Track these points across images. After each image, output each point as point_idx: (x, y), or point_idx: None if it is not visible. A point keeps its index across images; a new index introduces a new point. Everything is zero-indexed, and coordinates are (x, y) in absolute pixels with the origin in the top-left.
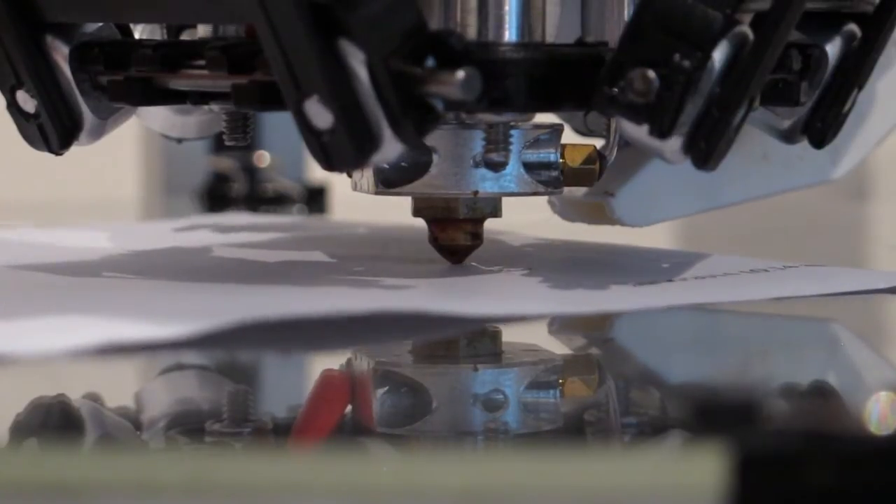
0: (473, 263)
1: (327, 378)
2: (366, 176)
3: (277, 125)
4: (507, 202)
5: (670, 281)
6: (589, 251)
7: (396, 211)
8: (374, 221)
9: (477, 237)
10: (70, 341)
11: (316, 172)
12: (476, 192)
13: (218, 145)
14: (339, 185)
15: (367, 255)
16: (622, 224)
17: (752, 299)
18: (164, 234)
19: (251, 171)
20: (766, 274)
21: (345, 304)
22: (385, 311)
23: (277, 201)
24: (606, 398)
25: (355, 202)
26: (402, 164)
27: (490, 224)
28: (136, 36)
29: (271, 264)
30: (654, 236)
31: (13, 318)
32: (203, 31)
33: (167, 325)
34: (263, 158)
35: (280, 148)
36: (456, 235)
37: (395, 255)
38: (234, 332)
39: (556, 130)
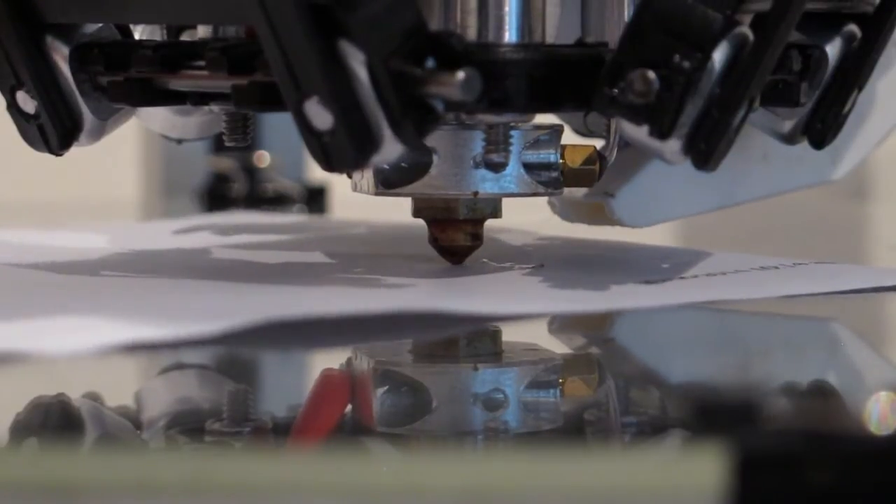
0: (484, 260)
1: (327, 377)
2: (366, 177)
3: (277, 125)
4: (507, 203)
5: (681, 278)
6: (597, 249)
7: (396, 211)
8: (376, 221)
9: (477, 238)
10: (99, 339)
11: (316, 172)
12: (476, 193)
13: (218, 145)
14: (339, 185)
15: (370, 254)
16: (622, 225)
17: (763, 297)
18: (168, 235)
19: (251, 171)
20: (775, 271)
21: (359, 304)
22: (401, 311)
23: (277, 201)
24: (606, 398)
25: (355, 202)
26: (402, 164)
27: (496, 222)
28: (136, 37)
29: (281, 264)
30: (654, 236)
31: (36, 318)
32: (203, 31)
33: (193, 324)
34: (263, 158)
35: (280, 148)
36: (456, 236)
37: (398, 254)
38: (235, 332)
39: (556, 131)
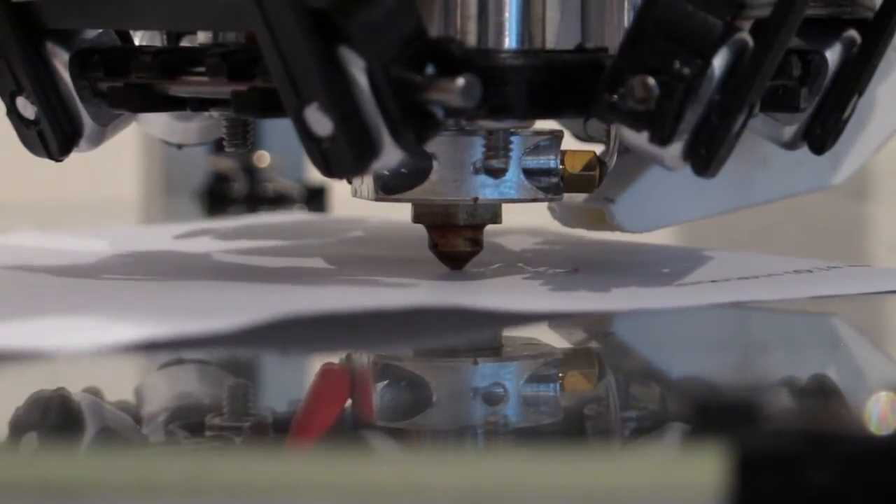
0: (520, 264)
1: (327, 372)
2: (366, 182)
3: (277, 125)
4: (507, 208)
5: (714, 281)
6: (626, 252)
7: (396, 211)
8: (377, 221)
9: (477, 243)
10: (117, 336)
11: (316, 172)
12: (476, 199)
13: (218, 145)
14: (338, 184)
15: (376, 257)
16: (622, 230)
17: (798, 298)
18: (170, 239)
19: (251, 171)
20: (809, 275)
21: (380, 300)
22: (424, 306)
23: (277, 201)
24: (606, 396)
25: (355, 202)
26: (402, 170)
27: (517, 222)
28: (136, 42)
29: (288, 266)
30: (654, 236)
31: (55, 317)
32: (203, 37)
33: (217, 320)
34: (263, 158)
35: (280, 148)
36: (456, 242)
37: (406, 257)
38: (259, 326)
39: (556, 137)
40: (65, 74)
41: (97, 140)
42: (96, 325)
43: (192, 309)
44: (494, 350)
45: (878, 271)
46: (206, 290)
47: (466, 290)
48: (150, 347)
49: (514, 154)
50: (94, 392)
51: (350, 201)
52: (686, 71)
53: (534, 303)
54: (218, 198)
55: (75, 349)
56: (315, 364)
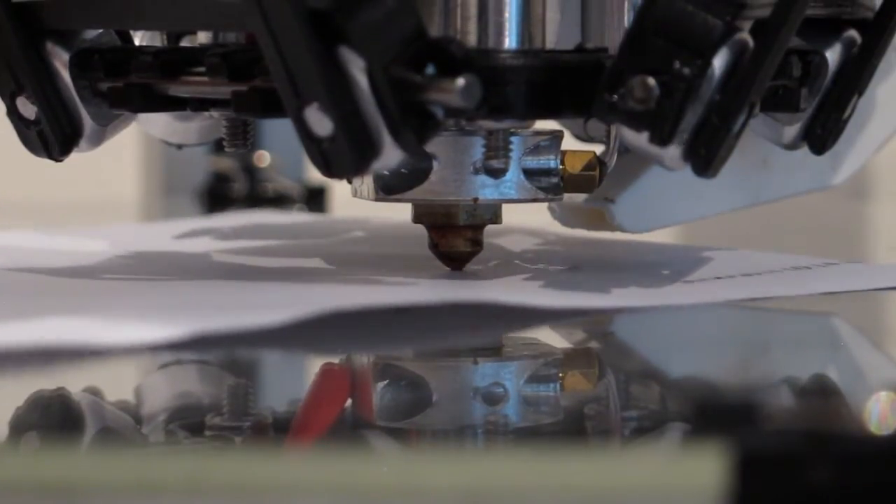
0: (516, 262)
1: (327, 372)
2: (366, 182)
3: (278, 125)
4: (507, 208)
5: (718, 278)
6: (628, 250)
7: (397, 211)
8: (379, 221)
9: (477, 244)
10: (162, 333)
11: (316, 172)
12: (476, 199)
13: (218, 145)
14: (339, 184)
15: (377, 255)
16: (622, 230)
17: (800, 294)
18: (172, 238)
19: (251, 171)
20: (808, 271)
21: (408, 296)
22: (448, 302)
23: (277, 201)
24: (606, 396)
25: (355, 202)
26: (402, 170)
27: (518, 222)
28: (136, 43)
29: (301, 265)
30: (654, 235)
31: (87, 314)
32: (203, 37)
33: (253, 316)
34: (263, 158)
35: (280, 148)
36: (456, 242)
37: (406, 256)
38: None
39: (557, 137)
40: (65, 74)
41: (97, 140)
42: (144, 321)
43: (212, 307)
44: (494, 350)
45: (875, 268)
46: (215, 290)
47: (472, 288)
48: (150, 347)
49: (514, 154)
50: (94, 392)
51: (350, 201)
52: (686, 71)
53: (538, 299)
54: (218, 198)
55: (129, 343)
56: (315, 364)
